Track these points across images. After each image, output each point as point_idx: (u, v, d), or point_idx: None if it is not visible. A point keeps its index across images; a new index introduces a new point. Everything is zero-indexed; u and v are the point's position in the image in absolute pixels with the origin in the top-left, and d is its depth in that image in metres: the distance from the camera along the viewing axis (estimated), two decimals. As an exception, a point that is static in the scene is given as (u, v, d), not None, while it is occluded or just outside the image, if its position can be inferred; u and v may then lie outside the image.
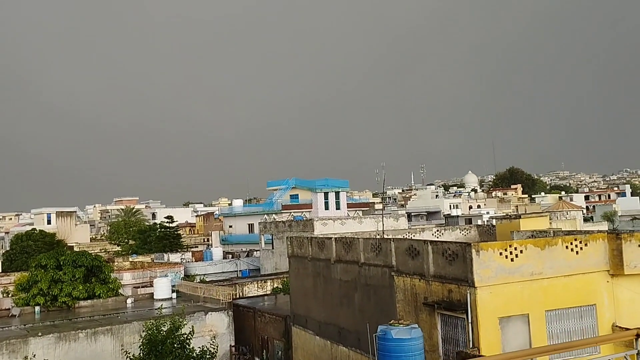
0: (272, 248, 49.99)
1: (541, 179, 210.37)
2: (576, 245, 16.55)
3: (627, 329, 16.44)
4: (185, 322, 25.84)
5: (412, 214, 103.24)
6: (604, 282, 16.77)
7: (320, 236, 26.89)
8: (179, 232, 66.73)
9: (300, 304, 27.27)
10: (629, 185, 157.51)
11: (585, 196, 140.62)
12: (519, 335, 16.02)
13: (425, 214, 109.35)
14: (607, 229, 59.97)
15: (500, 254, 15.88)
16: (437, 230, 31.15)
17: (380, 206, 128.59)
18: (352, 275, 22.36)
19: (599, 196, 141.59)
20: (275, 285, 42.06)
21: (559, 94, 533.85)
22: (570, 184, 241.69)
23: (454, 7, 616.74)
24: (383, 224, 29.63)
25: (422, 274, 18.01)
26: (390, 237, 23.04)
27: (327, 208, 63.05)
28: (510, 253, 15.92)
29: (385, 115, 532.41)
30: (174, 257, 54.36)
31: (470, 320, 15.83)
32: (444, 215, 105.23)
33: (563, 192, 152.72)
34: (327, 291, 24.46)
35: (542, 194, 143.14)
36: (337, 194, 64.92)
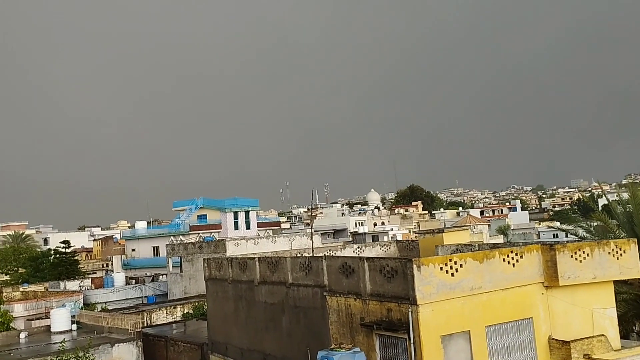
0: (181, 271, 47.39)
1: (438, 195, 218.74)
2: (512, 258, 16.40)
3: (563, 342, 16.50)
4: (91, 357, 23.30)
5: (320, 232, 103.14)
6: (539, 294, 16.73)
7: (241, 256, 25.39)
8: (76, 257, 61.97)
9: (220, 330, 25.51)
10: (519, 201, 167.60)
11: (480, 211, 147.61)
12: (461, 353, 15.52)
13: (333, 231, 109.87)
14: (502, 241, 62.81)
15: (441, 268, 15.36)
16: (358, 247, 30.59)
17: (287, 225, 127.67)
18: (279, 297, 21.09)
19: (493, 211, 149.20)
20: (186, 311, 39.75)
21: (451, 116, 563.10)
22: (464, 200, 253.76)
23: (348, 27, 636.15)
24: (312, 242, 28.55)
25: (358, 293, 17.14)
26: (321, 254, 22.04)
27: (237, 228, 61.18)
28: (451, 268, 15.45)
29: (286, 134, 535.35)
30: (72, 285, 50.12)
31: (412, 340, 15.11)
32: (350, 233, 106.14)
33: (460, 208, 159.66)
34: (250, 315, 22.97)
35: (441, 210, 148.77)
36: (247, 213, 63.27)
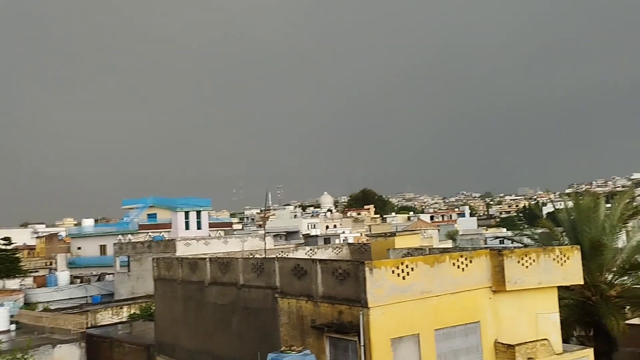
0: (129, 271, 46.28)
1: (390, 200, 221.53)
2: (462, 262, 16.69)
3: (508, 345, 16.89)
4: (30, 358, 22.45)
5: (272, 233, 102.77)
6: (487, 298, 17.09)
7: (192, 256, 24.96)
8: (17, 255, 59.62)
9: (168, 331, 25.00)
10: (467, 207, 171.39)
11: (430, 216, 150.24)
12: (410, 356, 15.68)
13: (285, 233, 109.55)
14: (451, 246, 64.16)
15: (393, 272, 15.49)
16: (311, 250, 30.56)
17: (239, 226, 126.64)
18: (229, 299, 20.83)
19: (442, 216, 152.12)
20: (133, 312, 38.78)
21: (404, 122, 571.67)
22: (415, 204, 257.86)
23: (308, 32, 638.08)
24: (265, 243, 28.35)
25: (309, 295, 17.10)
26: (273, 256, 21.89)
27: (187, 228, 60.17)
28: (402, 271, 15.60)
29: (240, 135, 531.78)
30: (12, 284, 48.19)
31: (362, 343, 15.17)
32: (302, 235, 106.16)
33: (411, 213, 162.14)
34: (200, 316, 22.60)
35: (393, 214, 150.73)
36: (198, 213, 62.34)
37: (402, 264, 15.74)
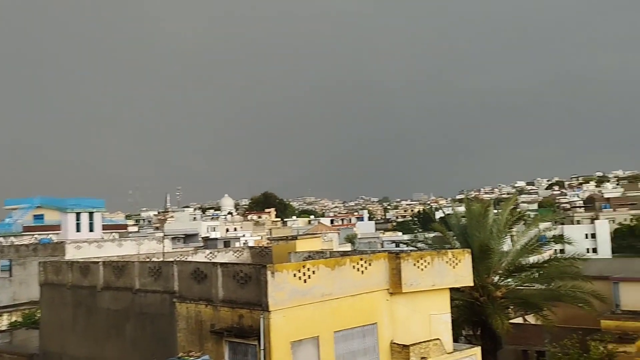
0: (10, 276, 43.09)
1: (291, 203, 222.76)
2: (362, 265, 17.05)
3: (403, 346, 17.46)
4: None
5: (170, 236, 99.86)
6: (384, 300, 17.57)
7: (83, 260, 23.67)
8: None
9: (54, 340, 23.50)
10: (366, 211, 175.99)
11: (330, 220, 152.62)
12: (309, 359, 15.78)
13: (183, 236, 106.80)
14: (350, 249, 65.60)
15: (294, 275, 15.53)
16: (211, 253, 29.97)
17: (135, 228, 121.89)
18: (124, 304, 19.95)
19: (342, 220, 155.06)
20: (15, 319, 36.17)
21: (306, 125, 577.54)
22: (315, 208, 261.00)
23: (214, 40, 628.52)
24: (164, 246, 27.39)
25: (209, 299, 16.76)
26: (172, 259, 21.22)
27: (79, 230, 57.05)
28: (304, 274, 15.68)
29: (139, 135, 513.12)
30: None
31: (262, 347, 15.08)
32: (202, 238, 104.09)
33: (312, 216, 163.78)
34: (90, 323, 21.46)
35: (294, 217, 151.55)
36: (90, 214, 59.29)
37: (303, 267, 15.82)
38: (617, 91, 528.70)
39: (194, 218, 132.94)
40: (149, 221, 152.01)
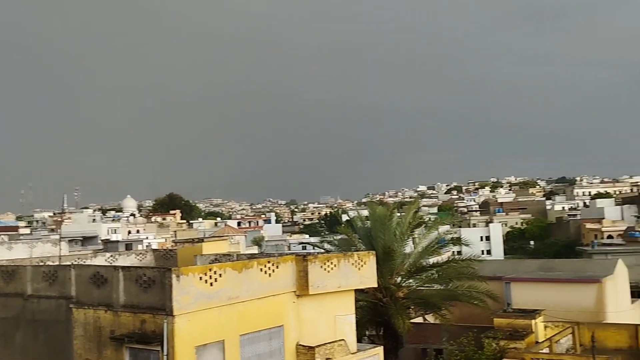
0: None
1: (197, 205, 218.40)
2: (269, 268, 17.02)
3: (309, 347, 17.63)
4: None
5: (67, 239, 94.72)
6: (291, 303, 17.64)
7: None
8: None
9: None
10: (274, 214, 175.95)
11: (237, 222, 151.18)
12: (215, 363, 15.53)
13: (81, 239, 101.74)
14: (257, 252, 65.35)
15: (201, 278, 15.25)
16: (111, 256, 28.75)
17: (27, 230, 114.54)
18: (13, 311, 18.67)
19: (250, 222, 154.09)
20: None
21: (212, 127, 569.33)
22: (222, 210, 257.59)
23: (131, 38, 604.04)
24: (60, 249, 25.85)
25: (109, 304, 16.07)
26: (69, 263, 20.11)
27: (-37, 231, 52.79)
28: (210, 277, 15.43)
29: (33, 130, 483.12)
30: None
31: (165, 352, 14.67)
32: (101, 240, 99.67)
33: (218, 218, 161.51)
34: (-25, 332, 19.87)
35: (200, 219, 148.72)
36: (-23, 214, 55.07)
37: (210, 270, 15.56)
38: (511, 102, 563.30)
39: (94, 220, 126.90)
40: (44, 223, 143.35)
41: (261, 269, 16.81)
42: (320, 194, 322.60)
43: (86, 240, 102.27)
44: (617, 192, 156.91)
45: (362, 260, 19.65)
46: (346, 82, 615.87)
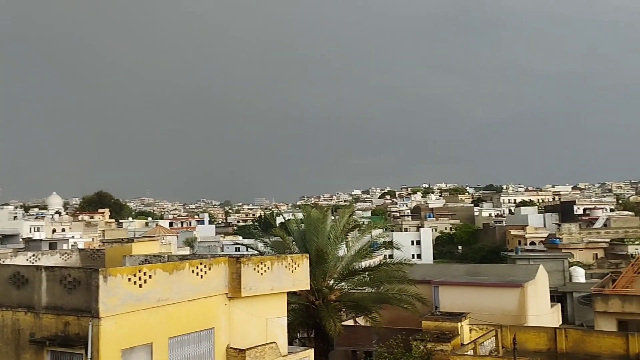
0: None
1: (127, 204, 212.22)
2: (201, 270, 16.75)
3: (240, 350, 17.49)
4: None
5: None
6: (223, 305, 17.43)
7: None
8: None
9: None
10: (207, 214, 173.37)
11: (169, 222, 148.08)
12: (142, 366, 15.13)
13: (1, 237, 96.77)
14: (189, 253, 64.26)
15: (129, 279, 14.81)
16: (33, 255, 27.46)
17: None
18: None
19: (182, 223, 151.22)
20: None
21: (147, 124, 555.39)
22: (154, 210, 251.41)
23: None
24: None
25: (30, 306, 15.35)
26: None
27: None
28: (140, 279, 15.01)
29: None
30: None
31: (90, 356, 14.16)
32: (23, 239, 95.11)
33: (150, 218, 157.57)
34: None
35: (130, 219, 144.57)
36: None
37: (139, 271, 15.14)
38: (444, 110, 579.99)
39: (15, 217, 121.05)
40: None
41: (193, 271, 16.52)
42: (255, 196, 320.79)
43: (6, 238, 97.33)
44: (541, 201, 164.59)
45: (295, 263, 19.67)
46: (284, 85, 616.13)
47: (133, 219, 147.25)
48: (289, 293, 20.65)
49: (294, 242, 30.20)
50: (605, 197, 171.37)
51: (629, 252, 72.58)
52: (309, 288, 21.23)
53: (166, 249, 47.68)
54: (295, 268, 19.58)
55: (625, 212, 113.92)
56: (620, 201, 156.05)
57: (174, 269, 16.01)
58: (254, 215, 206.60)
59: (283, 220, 38.11)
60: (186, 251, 71.14)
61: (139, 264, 19.66)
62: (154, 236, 42.92)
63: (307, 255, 21.00)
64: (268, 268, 18.43)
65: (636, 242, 78.27)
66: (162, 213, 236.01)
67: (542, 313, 32.96)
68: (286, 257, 19.71)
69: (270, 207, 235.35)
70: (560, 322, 38.24)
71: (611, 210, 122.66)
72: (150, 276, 15.27)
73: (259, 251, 31.06)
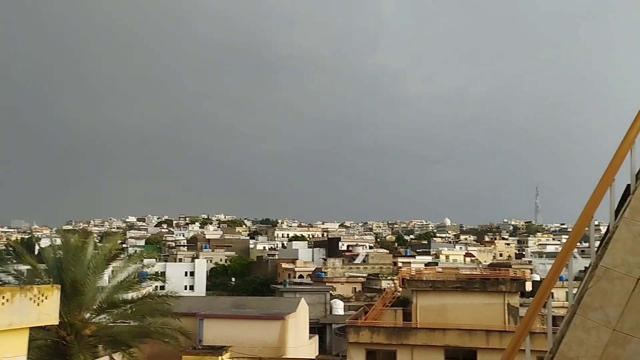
0: None
1: None
2: None
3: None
4: None
5: None
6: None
7: None
8: None
9: None
10: None
11: None
12: None
13: None
14: None
15: None
16: None
17: None
18: None
19: None
20: None
21: None
22: None
23: None
24: None
25: None
26: None
27: None
28: None
29: None
30: None
31: None
32: None
33: None
34: None
35: None
36: None
37: None
38: (225, 143, 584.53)
39: None
40: None
41: None
42: (13, 218, 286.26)
43: None
44: (311, 236, 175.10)
45: (43, 295, 17.71)
46: (52, 101, 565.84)
47: None
48: (35, 328, 18.61)
49: (47, 271, 27.49)
50: (366, 235, 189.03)
51: (382, 287, 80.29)
52: (57, 322, 19.35)
53: None
54: (42, 300, 17.64)
55: (382, 250, 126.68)
56: (378, 239, 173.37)
57: None
58: (8, 239, 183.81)
59: (45, 246, 34.65)
60: None
61: None
62: None
63: (59, 286, 19.14)
64: (7, 300, 16.35)
65: (388, 277, 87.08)
66: None
67: (301, 344, 34.66)
68: (32, 288, 17.64)
69: (29, 231, 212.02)
70: (317, 353, 40.58)
71: (370, 247, 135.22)
72: None
73: (2, 281, 27.59)
